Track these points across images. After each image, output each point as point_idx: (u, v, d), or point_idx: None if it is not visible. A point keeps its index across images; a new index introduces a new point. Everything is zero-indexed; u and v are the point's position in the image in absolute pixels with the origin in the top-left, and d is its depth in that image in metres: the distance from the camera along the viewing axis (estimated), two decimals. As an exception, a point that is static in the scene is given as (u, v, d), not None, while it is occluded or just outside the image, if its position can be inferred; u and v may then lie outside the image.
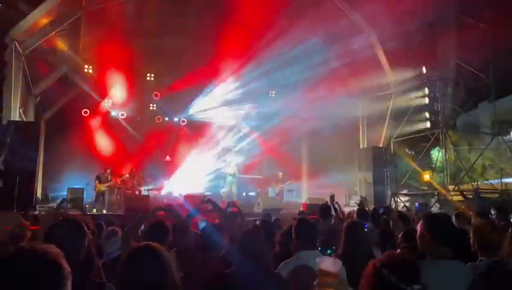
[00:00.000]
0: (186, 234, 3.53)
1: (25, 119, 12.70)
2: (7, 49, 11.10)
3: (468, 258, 2.67)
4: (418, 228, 2.64)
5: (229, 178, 14.44)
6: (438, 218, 2.69)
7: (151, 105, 16.37)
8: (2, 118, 11.17)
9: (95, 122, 15.51)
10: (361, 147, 16.60)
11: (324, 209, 6.07)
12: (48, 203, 11.92)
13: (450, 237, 2.54)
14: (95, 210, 12.77)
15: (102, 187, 13.24)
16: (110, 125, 15.76)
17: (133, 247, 1.92)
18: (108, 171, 13.59)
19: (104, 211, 12.67)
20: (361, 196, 14.90)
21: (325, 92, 14.49)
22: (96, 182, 13.28)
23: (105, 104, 15.60)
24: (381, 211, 7.56)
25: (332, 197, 6.22)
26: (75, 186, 13.44)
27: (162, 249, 1.86)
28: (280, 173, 16.61)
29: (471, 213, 5.68)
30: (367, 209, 10.12)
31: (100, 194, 13.21)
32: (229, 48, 14.09)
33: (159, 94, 16.09)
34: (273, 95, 17.17)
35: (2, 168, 10.34)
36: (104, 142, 15.51)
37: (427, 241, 2.54)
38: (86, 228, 2.25)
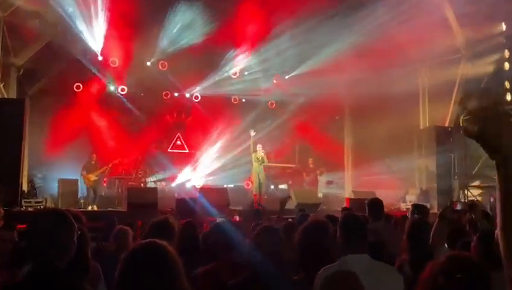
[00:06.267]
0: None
1: (6, 96, 13.01)
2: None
3: None
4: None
5: (255, 165, 14.30)
6: None
7: (157, 78, 16.39)
8: (-21, 94, 11.45)
9: (89, 99, 15.73)
10: (421, 127, 16.36)
11: (375, 206, 5.78)
12: (35, 197, 12.18)
13: None
14: (91, 207, 13.12)
15: (93, 177, 13.54)
16: (108, 102, 16.01)
17: (135, 245, 1.99)
18: (94, 157, 13.95)
19: (95, 207, 12.99)
20: (421, 189, 14.92)
21: (375, 58, 14.29)
22: (84, 172, 13.60)
23: (102, 77, 15.78)
24: (458, 208, 7.39)
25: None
26: (68, 177, 13.89)
27: (170, 248, 1.90)
28: (311, 160, 16.66)
29: None
30: (428, 205, 10.03)
31: (90, 187, 13.52)
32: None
33: (166, 64, 16.14)
34: (310, 61, 16.69)
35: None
36: (101, 124, 15.79)
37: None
38: (73, 221, 2.31)
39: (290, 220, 7.02)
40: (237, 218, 9.17)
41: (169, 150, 17.00)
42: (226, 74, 16.78)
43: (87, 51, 14.94)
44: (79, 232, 2.36)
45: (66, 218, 2.28)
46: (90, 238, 3.45)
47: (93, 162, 13.86)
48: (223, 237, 3.66)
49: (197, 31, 15.14)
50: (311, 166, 16.73)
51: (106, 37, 14.92)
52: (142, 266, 1.82)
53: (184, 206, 10.50)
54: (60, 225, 2.24)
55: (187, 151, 17.35)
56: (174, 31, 15.27)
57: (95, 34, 14.77)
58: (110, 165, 14.26)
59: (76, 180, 13.83)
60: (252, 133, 14.12)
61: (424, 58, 15.67)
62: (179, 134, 17.32)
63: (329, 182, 16.43)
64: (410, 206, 7.07)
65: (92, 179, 13.61)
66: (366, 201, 5.92)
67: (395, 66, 14.69)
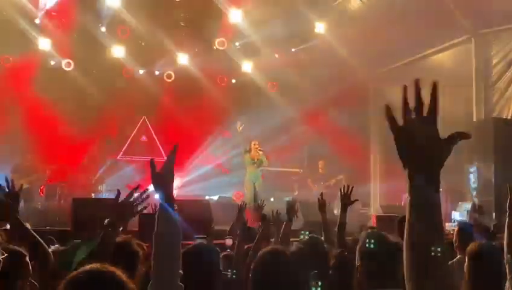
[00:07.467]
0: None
1: None
2: None
3: None
4: None
5: (251, 169, 14.43)
6: None
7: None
8: None
9: (23, 77, 15.50)
10: (474, 119, 16.03)
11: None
12: None
13: None
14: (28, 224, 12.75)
15: (24, 184, 13.14)
16: (48, 82, 15.61)
17: (74, 273, 1.96)
18: (30, 158, 14.07)
19: (28, 225, 12.50)
20: (473, 204, 14.62)
21: (414, 26, 14.34)
22: (16, 176, 12.92)
23: (41, 47, 15.48)
24: None
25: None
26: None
27: (122, 277, 1.91)
28: (321, 162, 16.58)
29: None
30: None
31: (21, 198, 13.23)
32: None
33: (128, 30, 15.84)
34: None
35: None
36: (38, 110, 15.53)
37: None
38: None
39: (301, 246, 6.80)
40: (230, 242, 9.06)
41: (119, 157, 17.13)
42: (209, 44, 16.53)
43: (19, 10, 14.61)
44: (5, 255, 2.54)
45: None
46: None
47: (28, 163, 13.97)
48: (197, 266, 3.59)
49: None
50: (320, 171, 16.54)
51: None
52: None
53: (150, 224, 10.04)
54: None
55: (163, 156, 17.04)
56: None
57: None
58: (51, 168, 14.46)
59: (4, 187, 13.50)
60: (239, 127, 14.30)
61: (480, 25, 15.35)
62: (144, 117, 17.48)
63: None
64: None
65: (23, 187, 13.16)
66: (397, 219, 6.18)
67: (439, 36, 14.99)
